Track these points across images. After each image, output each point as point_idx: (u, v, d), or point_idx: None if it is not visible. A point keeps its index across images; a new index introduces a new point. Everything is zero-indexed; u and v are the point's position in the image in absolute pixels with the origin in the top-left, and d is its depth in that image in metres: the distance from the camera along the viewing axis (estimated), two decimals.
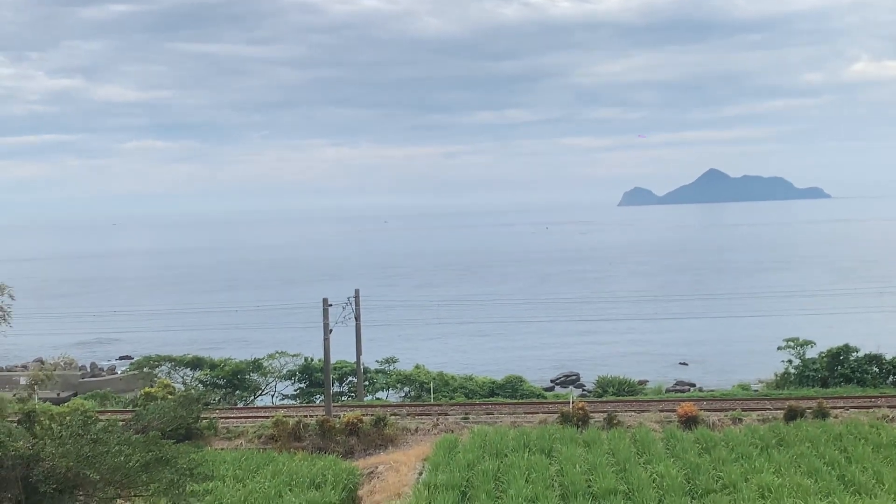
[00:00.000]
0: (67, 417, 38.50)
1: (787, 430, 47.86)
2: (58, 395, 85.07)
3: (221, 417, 57.84)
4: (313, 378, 74.72)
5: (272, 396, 77.86)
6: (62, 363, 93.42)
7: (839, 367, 68.07)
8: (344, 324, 64.51)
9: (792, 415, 51.45)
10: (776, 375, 72.04)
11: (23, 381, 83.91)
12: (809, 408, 52.36)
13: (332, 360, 64.09)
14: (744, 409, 54.93)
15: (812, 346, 71.11)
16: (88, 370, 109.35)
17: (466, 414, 56.97)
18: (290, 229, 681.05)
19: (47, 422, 36.04)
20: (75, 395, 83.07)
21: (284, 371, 76.79)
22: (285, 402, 74.34)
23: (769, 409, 54.84)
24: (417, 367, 76.98)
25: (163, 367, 79.38)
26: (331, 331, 60.15)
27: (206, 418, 54.29)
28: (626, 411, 55.68)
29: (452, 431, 52.87)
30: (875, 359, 68.34)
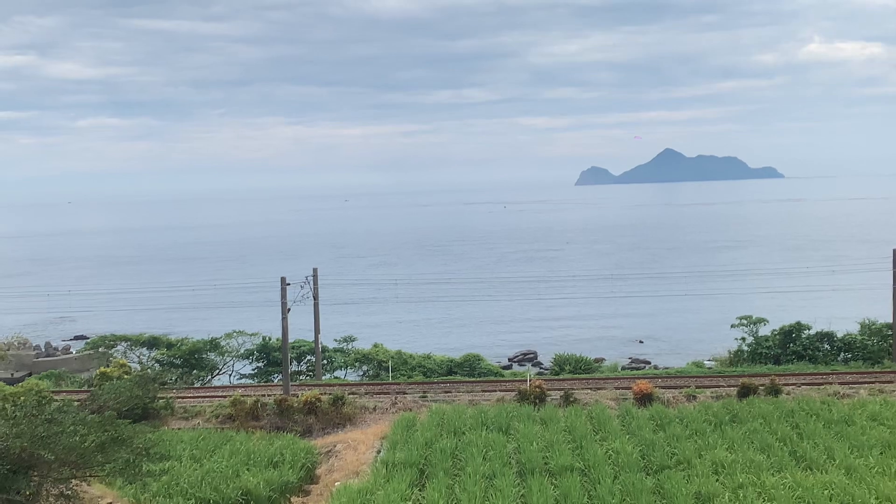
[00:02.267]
0: (22, 398, 38.26)
1: (741, 406, 48.57)
2: (12, 375, 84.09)
3: (178, 397, 57.53)
4: (271, 357, 74.46)
5: (230, 376, 77.50)
6: (16, 343, 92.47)
7: (791, 345, 69.14)
8: (302, 303, 64.26)
9: (745, 392, 52.21)
10: (730, 353, 73.00)
11: None
12: (762, 385, 53.14)
13: (290, 340, 63.86)
14: (698, 387, 55.64)
15: (765, 324, 72.14)
16: (43, 350, 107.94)
17: (424, 392, 57.17)
18: (248, 208, 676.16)
19: (1, 402, 35.71)
20: (30, 374, 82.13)
21: (242, 350, 76.40)
22: (243, 381, 74.07)
23: (723, 387, 55.59)
24: (376, 345, 76.93)
25: (119, 347, 78.59)
26: (289, 310, 59.94)
27: (162, 398, 54.02)
28: (582, 389, 56.18)
29: (411, 410, 53.03)
30: (826, 336, 69.52)
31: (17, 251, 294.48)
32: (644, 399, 51.93)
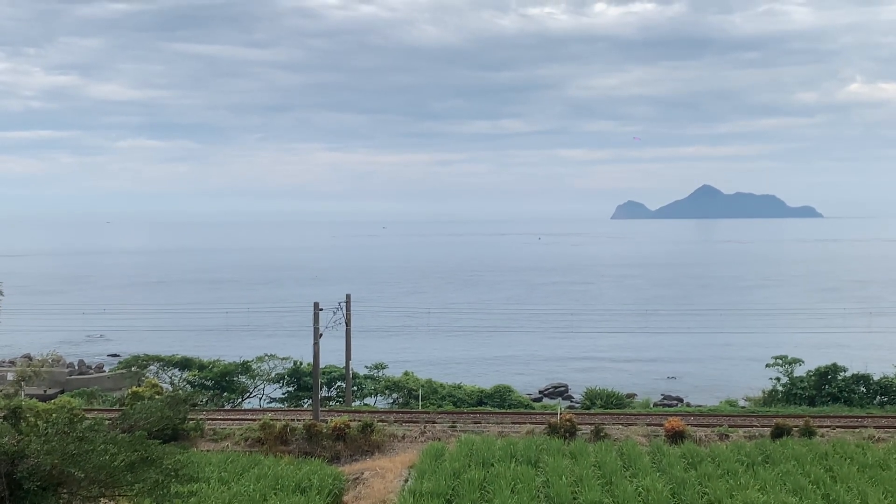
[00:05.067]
0: (53, 415, 38.50)
1: (774, 447, 47.94)
2: (44, 391, 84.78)
3: (208, 419, 57.74)
4: (302, 382, 74.61)
5: (260, 399, 77.70)
6: (50, 360, 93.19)
7: (827, 386, 68.24)
8: (334, 328, 64.44)
9: (779, 432, 51.56)
10: (764, 392, 72.22)
11: (10, 377, 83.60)
12: (796, 426, 52.47)
13: (322, 365, 64.00)
14: (731, 426, 55.04)
15: (800, 365, 71.33)
16: (76, 368, 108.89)
17: (454, 422, 56.97)
18: (284, 232, 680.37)
19: (33, 418, 36.00)
20: (62, 392, 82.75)
21: (273, 374, 76.65)
22: (273, 405, 74.21)
23: (756, 426, 54.96)
24: (406, 373, 76.88)
25: (151, 367, 79.14)
26: (321, 335, 60.07)
27: (192, 419, 54.18)
28: (613, 424, 55.76)
29: (439, 439, 52.83)
30: (863, 379, 68.55)
31: (55, 269, 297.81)
32: (676, 436, 51.42)
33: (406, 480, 44.35)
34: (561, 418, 53.96)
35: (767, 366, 72.71)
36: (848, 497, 39.00)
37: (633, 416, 59.36)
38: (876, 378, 68.60)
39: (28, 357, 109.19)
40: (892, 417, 58.15)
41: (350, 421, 55.01)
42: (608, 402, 69.85)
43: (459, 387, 74.83)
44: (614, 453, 47.34)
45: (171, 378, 77.57)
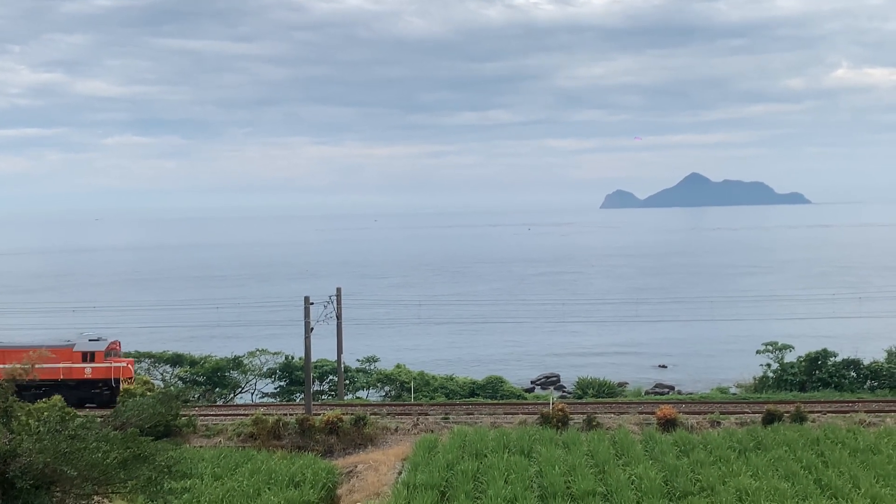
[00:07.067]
0: (45, 413, 38.36)
1: (765, 433, 48.15)
2: None
3: (201, 415, 57.70)
4: (294, 376, 74.56)
5: (252, 394, 77.59)
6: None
7: (817, 372, 68.54)
8: (325, 322, 64.39)
9: (770, 418, 51.77)
10: (755, 379, 72.44)
11: None
12: (787, 412, 52.68)
13: (313, 359, 63.96)
14: (722, 413, 55.26)
15: (791, 351, 71.57)
16: None
17: (447, 414, 57.05)
18: (274, 226, 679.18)
19: (24, 417, 35.87)
20: None
21: (265, 369, 76.60)
22: (265, 400, 74.20)
23: (747, 413, 55.18)
24: (398, 366, 76.91)
25: (142, 364, 78.97)
26: (312, 329, 60.03)
27: (185, 415, 54.16)
28: (605, 413, 55.94)
29: (432, 431, 52.93)
30: (853, 364, 68.89)
31: (45, 267, 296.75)
32: (668, 424, 51.60)
33: (400, 473, 44.44)
34: (553, 408, 54.08)
35: (758, 352, 72.96)
36: (840, 482, 39.21)
37: (625, 404, 59.56)
38: (866, 363, 69.02)
39: None
40: (883, 402, 58.52)
41: (343, 414, 55.06)
42: (600, 391, 70.05)
43: (451, 378, 74.95)
44: (607, 442, 47.51)
45: (162, 374, 77.42)
